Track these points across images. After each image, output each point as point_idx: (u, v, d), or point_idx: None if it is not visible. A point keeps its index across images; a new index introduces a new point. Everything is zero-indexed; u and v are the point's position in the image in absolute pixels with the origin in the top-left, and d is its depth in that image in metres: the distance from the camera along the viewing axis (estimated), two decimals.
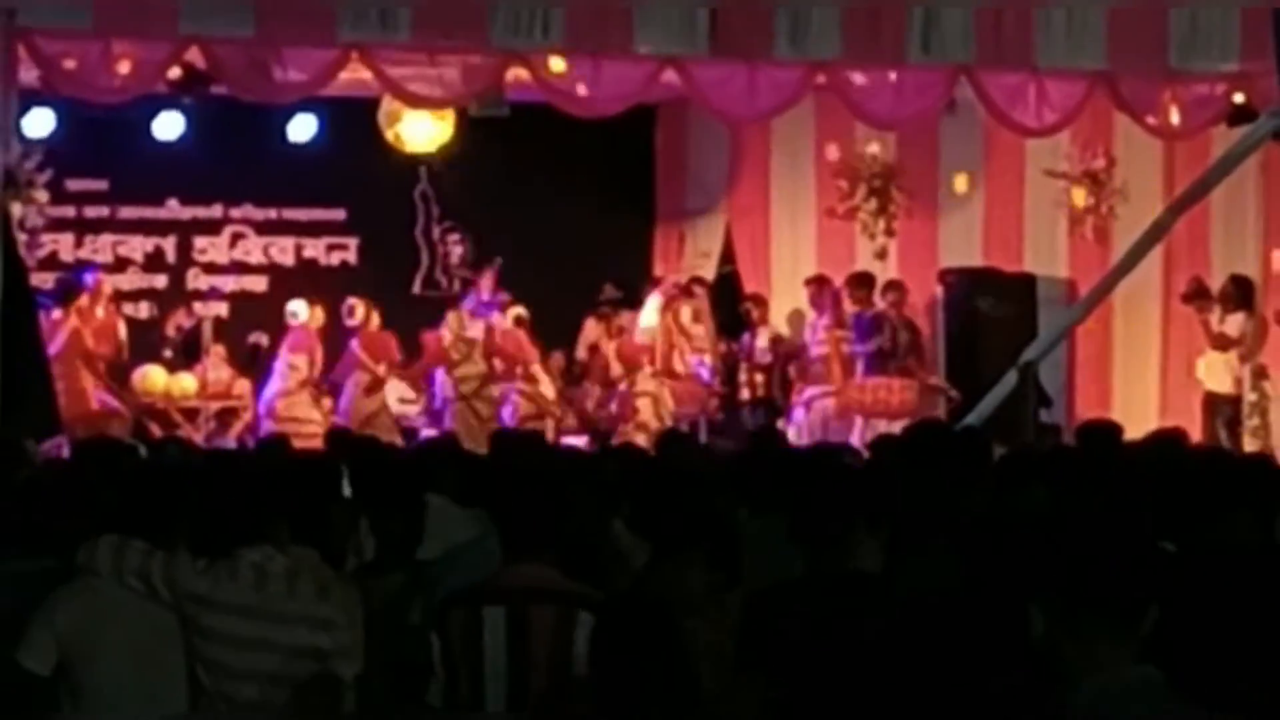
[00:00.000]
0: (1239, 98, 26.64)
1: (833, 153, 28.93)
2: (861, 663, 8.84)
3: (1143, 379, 27.41)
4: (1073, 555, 8.01)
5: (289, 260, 27.74)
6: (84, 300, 25.57)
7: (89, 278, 26.27)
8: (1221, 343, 26.64)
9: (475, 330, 27.02)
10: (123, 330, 25.89)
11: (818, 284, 27.86)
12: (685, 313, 27.13)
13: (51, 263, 25.40)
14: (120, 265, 27.02)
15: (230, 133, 26.34)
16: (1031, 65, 26.85)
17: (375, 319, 26.47)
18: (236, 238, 27.63)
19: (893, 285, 27.23)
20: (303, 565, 10.90)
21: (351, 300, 26.56)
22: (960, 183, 28.70)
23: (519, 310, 27.18)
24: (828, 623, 9.65)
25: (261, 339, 26.82)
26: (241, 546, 10.60)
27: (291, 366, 26.23)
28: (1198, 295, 26.68)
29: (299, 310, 26.50)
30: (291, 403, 25.95)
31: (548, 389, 27.03)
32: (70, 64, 24.41)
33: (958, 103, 27.55)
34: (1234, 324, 26.47)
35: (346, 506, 13.27)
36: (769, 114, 27.70)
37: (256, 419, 25.80)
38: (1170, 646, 7.94)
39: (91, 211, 26.86)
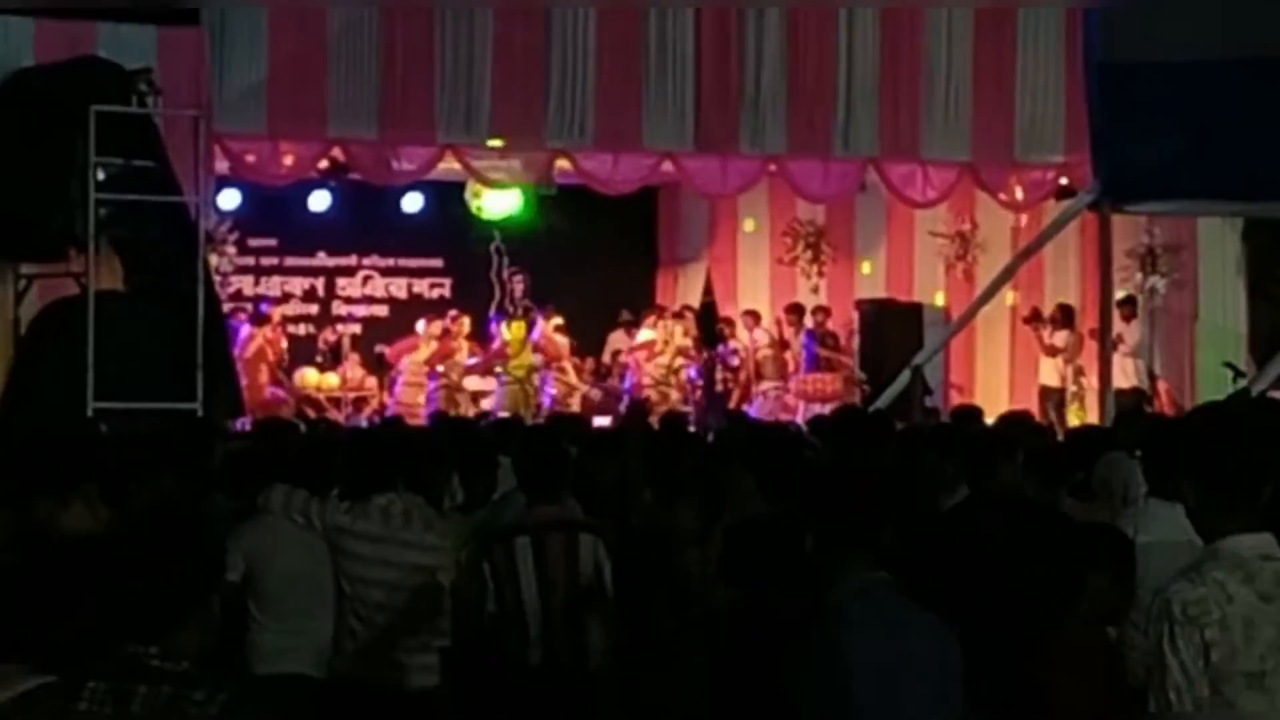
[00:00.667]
0: (1064, 180, 26.59)
1: (780, 219, 28.19)
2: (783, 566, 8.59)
3: (997, 376, 27.42)
4: (841, 492, 8.13)
5: (403, 294, 27.69)
6: (260, 323, 25.52)
7: (264, 307, 26.26)
8: (1052, 352, 26.76)
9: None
10: (284, 343, 25.92)
11: (791, 310, 27.54)
12: (678, 331, 27.02)
13: (237, 297, 25.28)
14: (285, 298, 27.02)
15: (362, 205, 26.42)
16: (919, 158, 26.62)
17: (466, 328, 26.53)
18: (366, 278, 27.62)
19: (821, 309, 27.10)
20: (414, 507, 11.11)
21: (453, 312, 26.78)
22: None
23: (557, 319, 27.02)
24: (779, 545, 8.95)
25: (385, 349, 26.77)
26: (372, 494, 10.95)
27: (410, 368, 26.13)
28: (1035, 318, 27.02)
29: (420, 327, 26.55)
30: (408, 392, 25.87)
31: (572, 378, 26.92)
32: (250, 158, 24.23)
33: (867, 184, 27.19)
34: (1060, 338, 26.65)
35: (443, 466, 13.25)
36: (736, 192, 27.40)
37: (382, 405, 25.55)
38: (902, 559, 8.24)
39: (265, 261, 26.85)
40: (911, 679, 7.33)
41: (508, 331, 27.10)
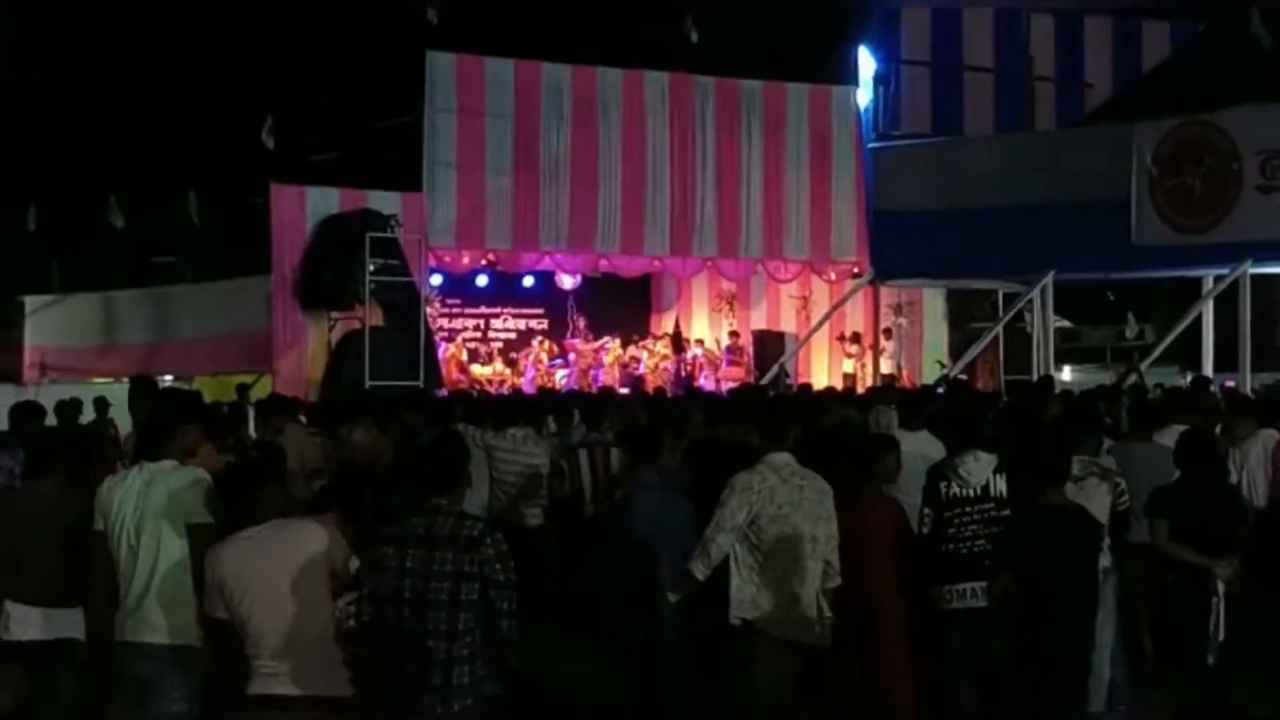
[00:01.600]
0: (856, 269, 25.63)
1: (713, 289, 27.36)
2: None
3: (820, 368, 26.46)
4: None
5: (522, 327, 26.64)
6: (450, 341, 25.13)
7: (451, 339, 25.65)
8: (849, 355, 25.77)
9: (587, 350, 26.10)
10: (464, 354, 25.07)
11: (730, 334, 26.75)
12: (660, 346, 26.41)
13: (439, 329, 24.38)
14: (463, 329, 26.17)
15: (503, 282, 25.65)
16: (782, 257, 25.82)
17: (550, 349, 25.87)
18: (504, 319, 26.65)
19: (734, 334, 26.52)
20: (528, 433, 11.34)
21: (540, 338, 26.00)
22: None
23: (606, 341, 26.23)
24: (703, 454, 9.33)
25: (515, 355, 25.87)
26: (508, 427, 11.21)
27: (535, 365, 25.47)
28: (842, 338, 26.01)
29: (534, 345, 25.98)
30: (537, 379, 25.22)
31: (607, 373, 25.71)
32: (446, 258, 23.57)
33: (757, 270, 26.14)
34: (854, 349, 25.70)
35: (543, 412, 13.41)
36: (690, 275, 26.68)
37: (513, 385, 24.43)
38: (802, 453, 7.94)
39: (454, 311, 26.03)
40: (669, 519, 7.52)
41: (582, 345, 26.16)
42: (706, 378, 26.01)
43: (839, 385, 23.73)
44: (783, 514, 7.45)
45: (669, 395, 20.73)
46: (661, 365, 26.20)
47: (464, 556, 5.53)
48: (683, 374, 25.87)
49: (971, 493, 7.65)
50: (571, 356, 26.18)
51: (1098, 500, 8.04)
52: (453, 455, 5.85)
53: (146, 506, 6.28)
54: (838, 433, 10.10)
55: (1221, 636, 7.75)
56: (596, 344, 26.37)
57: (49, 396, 15.99)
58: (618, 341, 26.66)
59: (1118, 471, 8.54)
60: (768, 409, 12.40)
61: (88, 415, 15.60)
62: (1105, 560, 7.79)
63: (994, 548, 7.46)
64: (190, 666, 6.28)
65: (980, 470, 7.71)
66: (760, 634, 7.44)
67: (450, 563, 5.52)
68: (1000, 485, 7.69)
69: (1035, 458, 7.30)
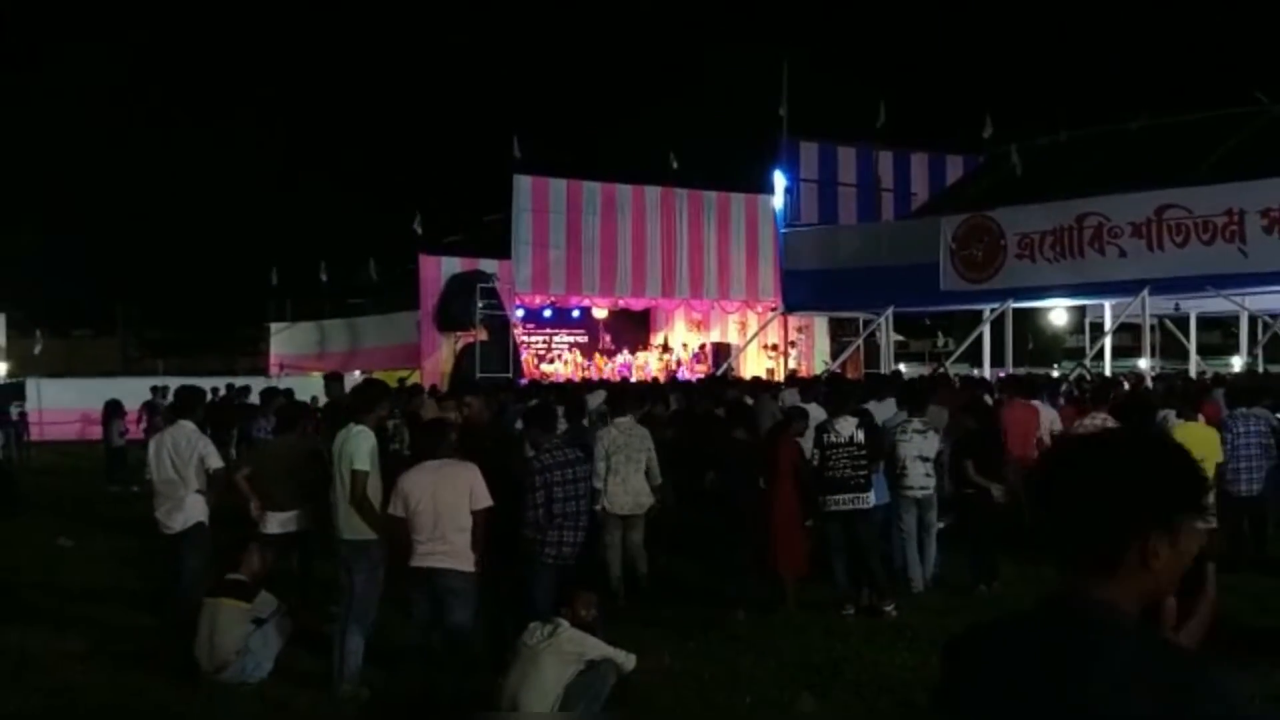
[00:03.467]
0: (774, 306, 24.62)
1: (690, 317, 26.15)
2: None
3: (753, 368, 25.15)
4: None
5: (572, 341, 25.63)
6: (526, 350, 24.55)
7: (528, 348, 25.45)
8: (771, 357, 24.86)
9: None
10: (534, 360, 24.29)
11: (702, 347, 25.85)
12: (656, 354, 25.68)
13: (521, 342, 23.32)
14: (536, 342, 25.16)
15: (561, 314, 25.00)
16: (728, 297, 25.28)
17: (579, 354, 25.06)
18: (560, 336, 25.84)
19: (701, 346, 25.69)
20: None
21: (571, 349, 25.13)
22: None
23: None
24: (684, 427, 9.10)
25: (570, 359, 25.18)
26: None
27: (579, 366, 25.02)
28: (766, 346, 25.19)
29: (567, 357, 25.13)
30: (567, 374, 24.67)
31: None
32: (526, 299, 23.13)
33: (713, 306, 25.35)
34: (771, 354, 24.96)
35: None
36: (675, 309, 25.81)
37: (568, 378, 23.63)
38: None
39: (531, 331, 24.94)
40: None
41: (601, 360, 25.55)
42: (681, 373, 25.81)
43: (764, 376, 23.44)
44: (619, 445, 7.61)
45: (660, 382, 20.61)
46: (660, 366, 25.37)
47: (584, 469, 5.98)
48: (675, 369, 25.23)
49: (842, 440, 7.41)
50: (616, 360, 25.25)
51: (928, 442, 7.89)
52: (554, 413, 6.32)
53: (342, 451, 6.07)
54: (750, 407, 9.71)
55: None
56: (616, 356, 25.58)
57: (284, 386, 16.25)
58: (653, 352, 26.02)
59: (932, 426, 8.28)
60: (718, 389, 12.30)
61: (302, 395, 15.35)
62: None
63: (854, 474, 7.27)
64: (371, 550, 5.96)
65: (847, 427, 7.45)
66: (608, 513, 7.54)
67: (581, 473, 5.95)
68: (859, 436, 7.40)
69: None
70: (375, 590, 5.74)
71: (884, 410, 8.55)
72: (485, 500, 5.37)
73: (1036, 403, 9.66)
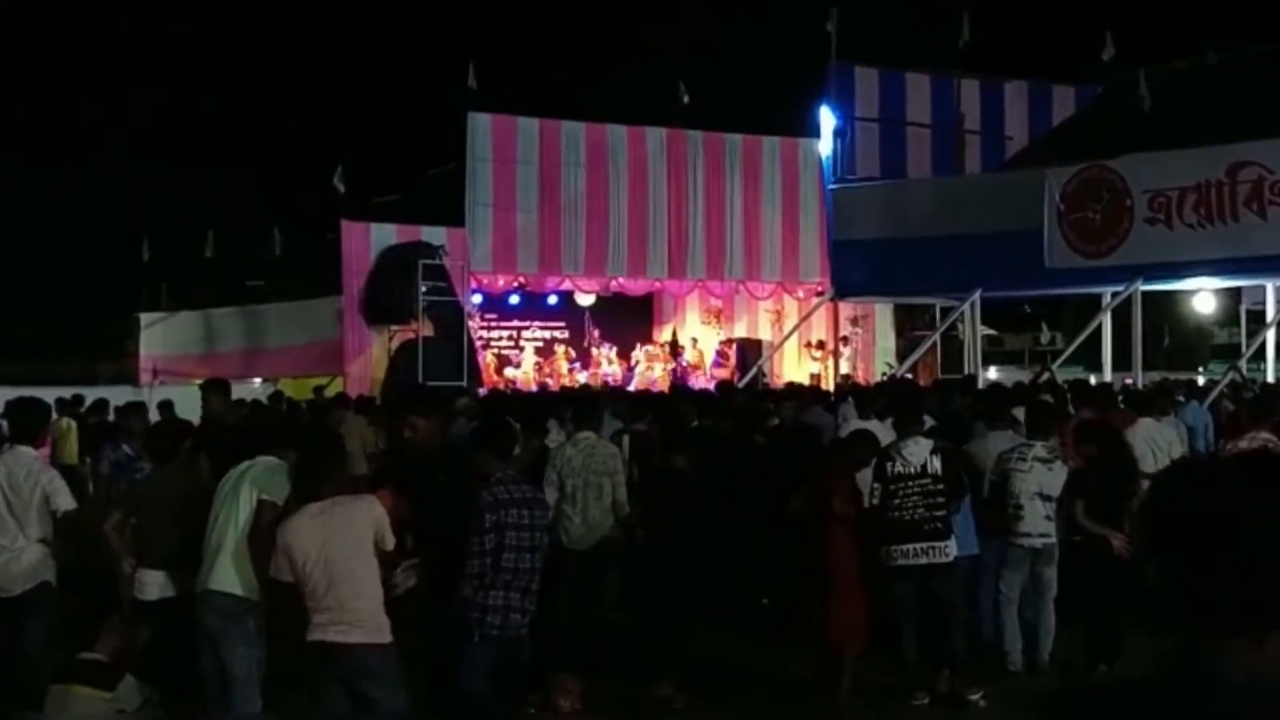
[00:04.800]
0: (819, 289, 25.25)
1: (703, 305, 26.99)
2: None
3: (791, 368, 25.86)
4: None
5: (547, 336, 26.03)
6: (487, 352, 24.64)
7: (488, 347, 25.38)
8: (815, 359, 25.55)
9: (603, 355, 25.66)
10: (494, 360, 24.55)
11: (726, 344, 26.21)
12: (660, 351, 25.98)
13: (479, 339, 23.55)
14: (499, 339, 25.62)
15: (531, 301, 25.27)
16: (759, 279, 25.76)
17: (569, 354, 25.31)
18: (532, 330, 26.11)
19: (723, 342, 26.04)
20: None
21: (563, 347, 25.41)
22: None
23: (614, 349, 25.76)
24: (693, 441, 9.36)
25: (540, 361, 25.20)
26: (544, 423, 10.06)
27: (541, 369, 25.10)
28: (809, 345, 25.76)
29: (557, 352, 25.37)
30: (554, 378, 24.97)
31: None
32: (485, 281, 23.55)
33: (739, 290, 26.03)
34: (819, 353, 25.49)
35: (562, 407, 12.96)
36: (685, 294, 26.44)
37: (542, 385, 23.79)
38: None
39: (491, 324, 25.30)
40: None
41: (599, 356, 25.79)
42: (698, 378, 25.68)
43: (807, 383, 23.58)
44: (575, 468, 8.14)
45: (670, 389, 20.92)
46: (665, 368, 25.74)
47: (543, 513, 6.00)
48: (680, 372, 25.46)
49: (912, 470, 7.55)
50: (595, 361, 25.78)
51: (1054, 476, 8.04)
52: (511, 433, 6.32)
53: (236, 486, 6.24)
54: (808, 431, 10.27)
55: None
56: (609, 352, 25.97)
57: (159, 396, 16.10)
58: (628, 349, 26.36)
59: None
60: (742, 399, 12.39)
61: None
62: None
63: (930, 516, 7.48)
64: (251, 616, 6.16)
65: (920, 452, 7.59)
66: (565, 549, 8.01)
67: (539, 518, 5.99)
68: (936, 464, 7.54)
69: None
70: (255, 669, 5.91)
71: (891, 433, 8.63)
72: (391, 540, 5.54)
73: (1149, 420, 9.96)
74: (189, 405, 16.21)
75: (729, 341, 26.54)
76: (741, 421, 10.63)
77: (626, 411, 12.42)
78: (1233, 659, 1.37)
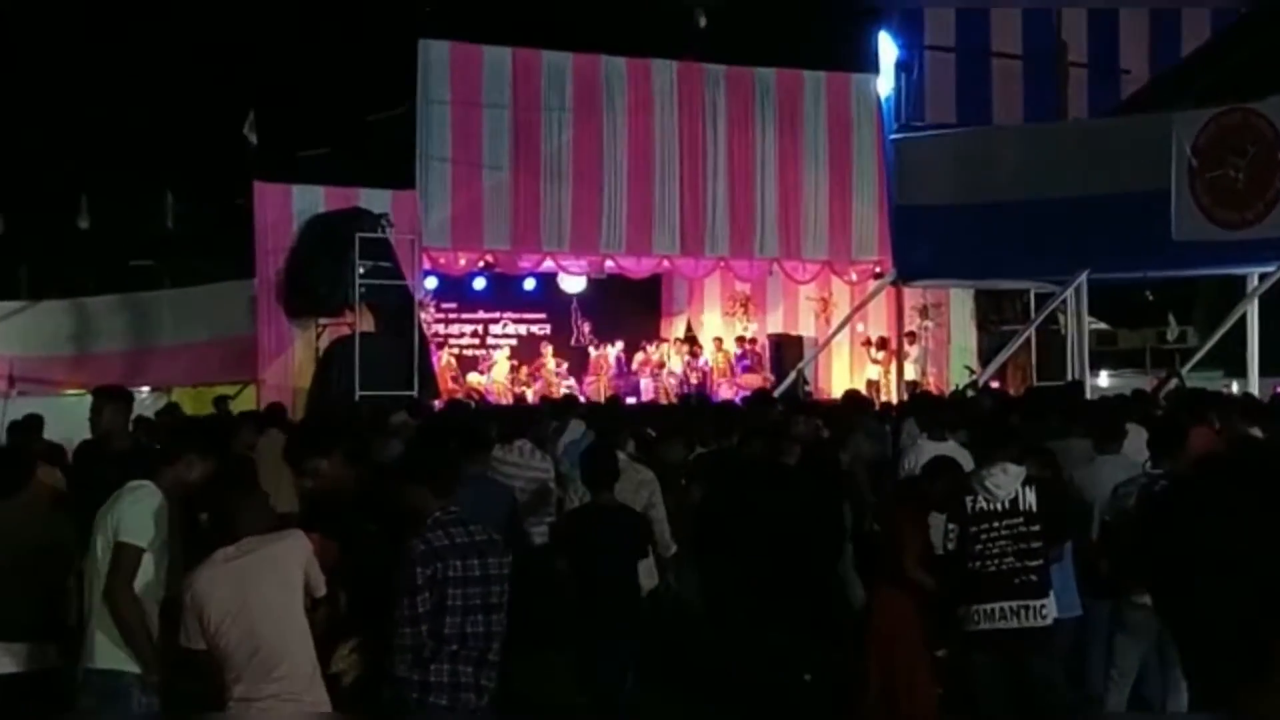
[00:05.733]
0: (877, 269, 25.87)
1: (726, 290, 27.48)
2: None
3: (840, 373, 26.58)
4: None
5: (524, 333, 26.57)
6: (445, 350, 25.15)
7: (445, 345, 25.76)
8: (875, 361, 25.91)
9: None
10: (453, 362, 25.10)
11: (750, 342, 26.70)
12: (669, 350, 26.47)
13: (433, 335, 24.20)
14: (460, 336, 26.18)
15: (501, 285, 25.66)
16: (800, 257, 26.01)
17: (551, 354, 25.66)
18: (504, 324, 26.55)
19: (751, 340, 26.47)
20: (533, 445, 10.71)
21: (544, 344, 25.81)
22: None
23: (612, 347, 26.27)
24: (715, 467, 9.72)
25: (517, 363, 25.62)
26: (514, 438, 10.53)
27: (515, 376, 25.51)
28: (867, 343, 26.17)
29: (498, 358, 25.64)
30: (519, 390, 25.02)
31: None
32: (442, 260, 23.86)
33: (773, 271, 26.35)
34: (880, 355, 25.90)
35: (545, 423, 12.83)
36: (703, 277, 26.92)
37: (513, 395, 24.24)
38: None
39: (450, 316, 25.98)
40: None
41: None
42: (720, 385, 26.02)
43: (862, 390, 23.63)
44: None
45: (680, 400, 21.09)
46: (675, 369, 26.22)
47: (498, 561, 5.91)
48: (696, 378, 25.85)
49: (999, 506, 7.60)
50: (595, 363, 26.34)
51: None
52: (449, 461, 6.23)
53: (102, 522, 6.32)
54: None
55: None
56: (604, 350, 26.50)
57: (16, 411, 16.00)
58: (629, 348, 26.78)
59: None
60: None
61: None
62: None
63: (1021, 567, 7.50)
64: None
65: (1009, 483, 7.63)
66: None
67: (494, 568, 5.93)
68: (1030, 498, 7.60)
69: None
70: None
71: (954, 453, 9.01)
72: (323, 588, 5.74)
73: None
74: (61, 422, 16.19)
75: (751, 341, 26.93)
76: (773, 444, 10.58)
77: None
78: (1231, 707, 1.45)
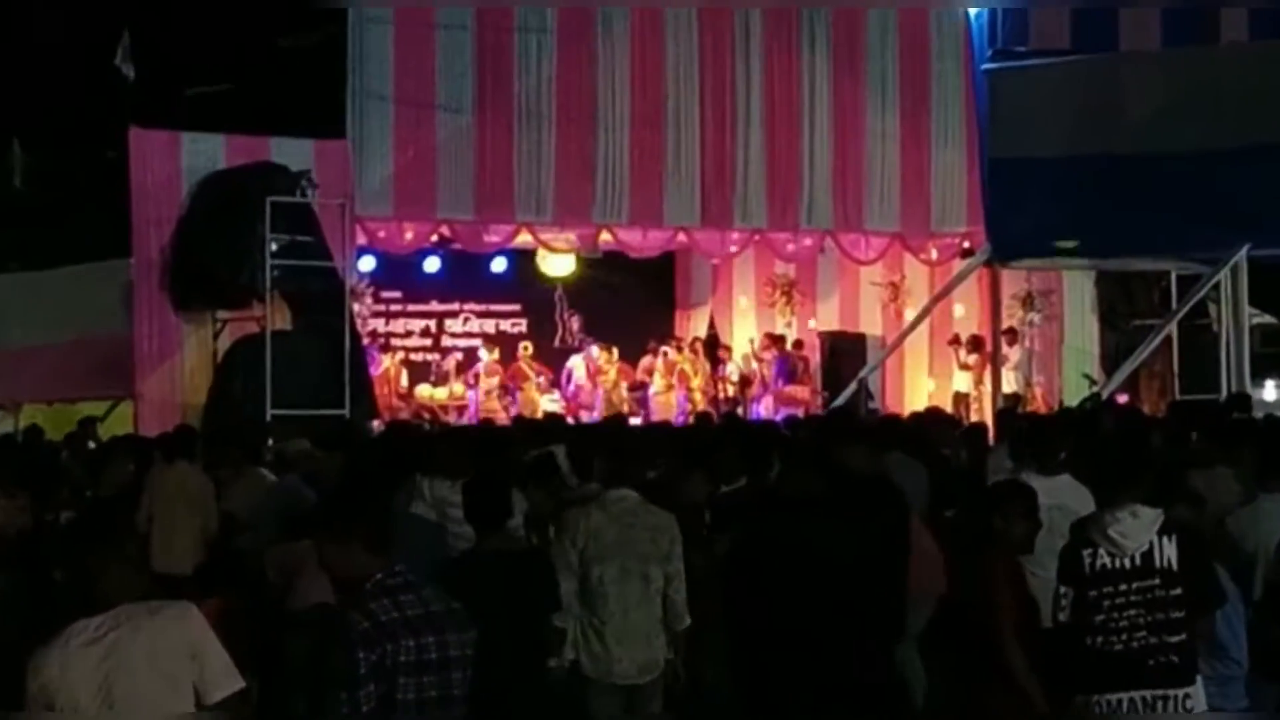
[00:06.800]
0: (966, 244, 26.46)
1: (763, 273, 27.99)
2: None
3: (917, 384, 27.15)
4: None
5: (492, 331, 27.07)
6: (386, 352, 25.48)
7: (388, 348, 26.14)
8: (965, 368, 26.33)
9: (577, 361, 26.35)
10: (403, 371, 25.53)
11: (767, 339, 27.00)
12: (686, 355, 26.80)
13: (371, 335, 24.79)
14: (407, 335, 26.66)
15: (461, 267, 26.08)
16: (862, 229, 26.51)
17: (529, 358, 25.95)
18: (466, 319, 27.16)
19: (796, 342, 26.86)
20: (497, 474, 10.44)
21: (523, 343, 26.22)
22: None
23: (607, 351, 26.64)
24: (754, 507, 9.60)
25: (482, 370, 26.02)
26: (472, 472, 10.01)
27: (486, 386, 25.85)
28: (955, 343, 26.62)
29: (484, 354, 26.23)
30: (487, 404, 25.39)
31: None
32: (381, 234, 24.13)
33: (825, 248, 26.84)
34: (972, 359, 26.15)
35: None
36: (731, 256, 27.27)
37: (475, 412, 24.81)
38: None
39: (393, 308, 26.44)
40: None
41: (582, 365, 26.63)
42: (754, 403, 26.27)
43: (947, 407, 24.11)
44: (607, 546, 8.50)
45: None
46: (689, 383, 26.38)
47: (460, 636, 5.96)
48: (720, 392, 26.09)
49: (1128, 563, 7.49)
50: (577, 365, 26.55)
51: None
52: (381, 505, 6.31)
53: None
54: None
55: None
56: (600, 354, 26.78)
57: None
58: (630, 351, 27.08)
59: None
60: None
61: None
62: None
63: (1156, 643, 7.43)
64: None
65: (1141, 531, 7.54)
66: (581, 675, 8.52)
67: (455, 646, 5.95)
68: (1170, 552, 7.48)
69: None
70: None
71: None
72: (233, 680, 5.71)
73: None
74: None
75: (797, 343, 27.16)
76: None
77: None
78: None
